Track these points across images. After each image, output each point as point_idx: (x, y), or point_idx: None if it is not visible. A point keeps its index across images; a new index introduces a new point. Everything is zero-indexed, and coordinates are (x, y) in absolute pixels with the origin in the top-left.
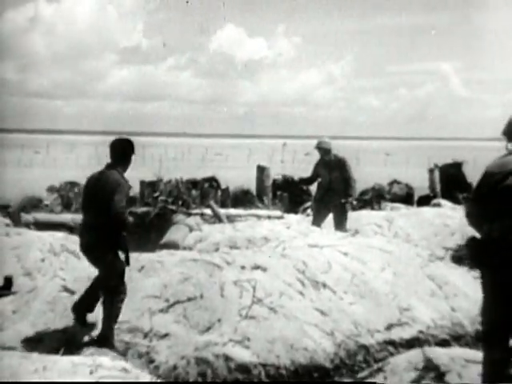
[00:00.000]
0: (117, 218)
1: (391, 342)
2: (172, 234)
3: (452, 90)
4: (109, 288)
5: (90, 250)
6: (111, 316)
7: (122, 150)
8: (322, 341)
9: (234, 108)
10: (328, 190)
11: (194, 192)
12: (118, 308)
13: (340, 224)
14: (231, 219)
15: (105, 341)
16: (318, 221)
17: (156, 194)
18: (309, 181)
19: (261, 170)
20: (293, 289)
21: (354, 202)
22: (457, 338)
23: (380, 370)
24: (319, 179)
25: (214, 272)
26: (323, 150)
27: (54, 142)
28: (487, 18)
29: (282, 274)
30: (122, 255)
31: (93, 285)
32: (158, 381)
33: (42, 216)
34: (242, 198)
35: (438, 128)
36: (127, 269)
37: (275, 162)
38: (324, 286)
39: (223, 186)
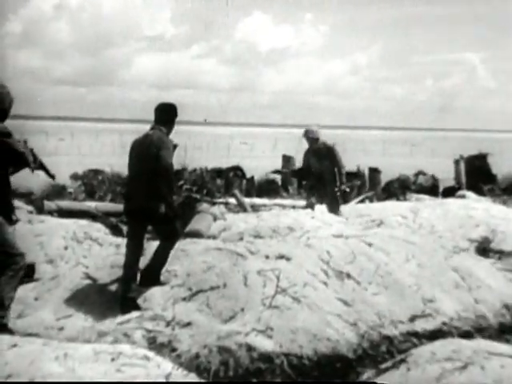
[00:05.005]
0: (164, 170)
1: (414, 334)
2: (196, 223)
3: (479, 81)
4: (173, 233)
5: (149, 216)
6: (167, 259)
7: (166, 113)
8: (345, 331)
9: (259, 97)
10: (319, 179)
11: (218, 181)
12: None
13: (333, 211)
14: (256, 208)
15: (157, 280)
16: (310, 204)
17: (180, 183)
18: (301, 172)
19: (286, 160)
20: (317, 279)
21: (347, 189)
22: (480, 330)
23: (403, 361)
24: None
25: (237, 261)
26: (311, 139)
27: (79, 130)
28: None
29: (305, 264)
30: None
31: (166, 250)
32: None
33: (65, 203)
34: (267, 188)
35: (464, 119)
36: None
37: (301, 152)
38: (348, 276)
39: (248, 176)
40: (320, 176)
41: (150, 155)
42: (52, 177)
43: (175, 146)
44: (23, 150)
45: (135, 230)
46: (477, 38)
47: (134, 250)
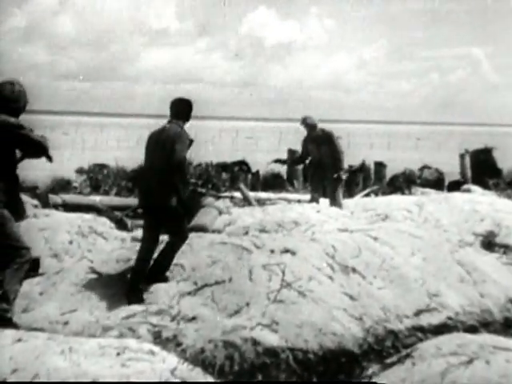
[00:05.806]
0: (177, 164)
1: (420, 328)
2: (201, 217)
3: (483, 76)
4: (180, 233)
5: (160, 208)
6: (174, 257)
7: (182, 108)
8: (351, 326)
9: (264, 91)
10: (318, 167)
11: (223, 175)
12: None
13: (334, 199)
14: (261, 203)
15: (163, 277)
16: (315, 198)
17: None
18: (300, 160)
19: (291, 154)
20: (322, 273)
21: (344, 176)
22: (485, 325)
23: (408, 355)
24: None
25: (242, 255)
26: (309, 126)
27: (83, 124)
28: None
29: (311, 258)
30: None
31: (173, 248)
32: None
33: (70, 198)
34: (273, 182)
35: (469, 113)
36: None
37: None
38: (353, 270)
39: (253, 170)
40: (319, 162)
41: (165, 149)
42: (50, 159)
43: (191, 141)
44: (40, 139)
45: (150, 224)
46: (482, 32)
47: (149, 244)
